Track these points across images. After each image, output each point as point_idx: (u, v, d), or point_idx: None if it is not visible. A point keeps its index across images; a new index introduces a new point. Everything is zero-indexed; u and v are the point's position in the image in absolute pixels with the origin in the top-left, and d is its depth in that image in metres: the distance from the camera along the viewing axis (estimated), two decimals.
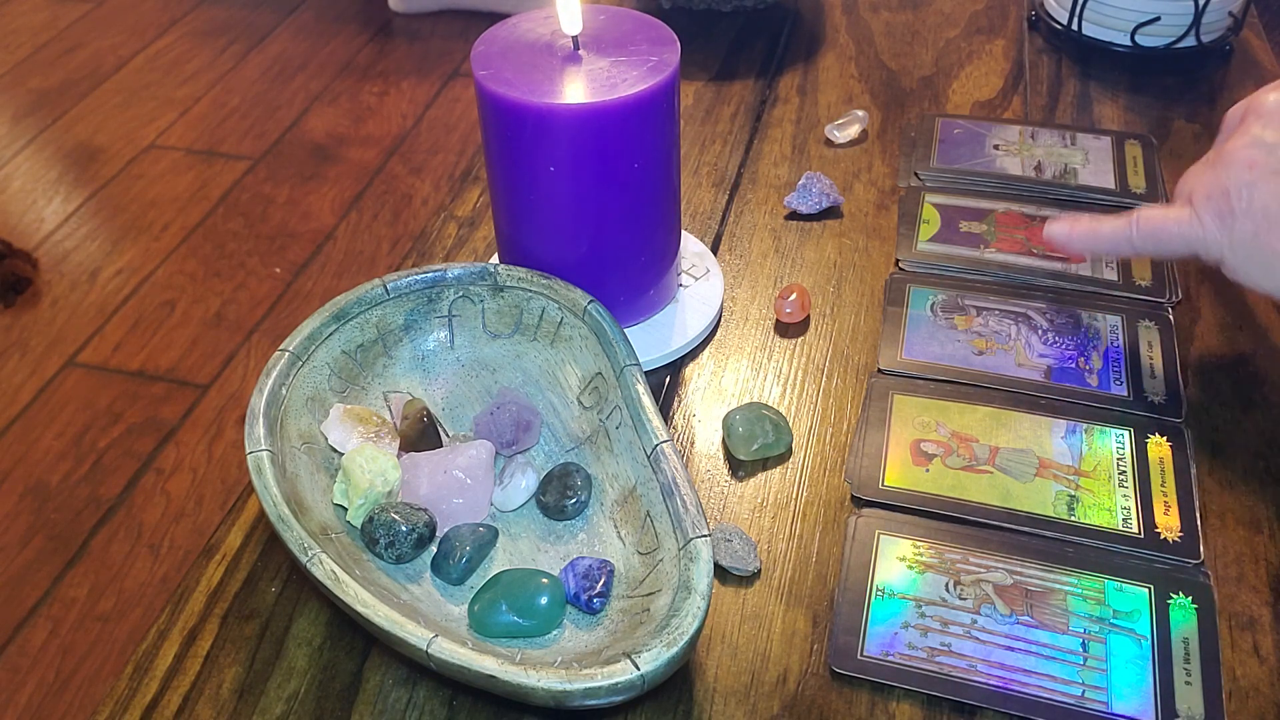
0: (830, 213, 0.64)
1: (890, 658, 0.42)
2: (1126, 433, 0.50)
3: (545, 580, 0.42)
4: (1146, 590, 0.43)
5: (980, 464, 0.49)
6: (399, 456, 0.47)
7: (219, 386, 1.54)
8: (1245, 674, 0.41)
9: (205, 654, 0.43)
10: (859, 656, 0.42)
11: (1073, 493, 0.47)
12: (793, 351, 0.56)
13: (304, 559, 0.40)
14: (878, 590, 0.44)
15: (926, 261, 0.60)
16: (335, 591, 0.39)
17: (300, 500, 0.44)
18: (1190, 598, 0.43)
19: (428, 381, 0.52)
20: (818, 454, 0.50)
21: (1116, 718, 0.39)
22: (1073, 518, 0.46)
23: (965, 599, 0.43)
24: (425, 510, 0.45)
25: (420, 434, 0.48)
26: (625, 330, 0.52)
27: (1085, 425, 0.50)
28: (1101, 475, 0.48)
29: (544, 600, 0.42)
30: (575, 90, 0.48)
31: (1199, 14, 0.73)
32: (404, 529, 0.44)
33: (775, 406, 0.52)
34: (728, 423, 0.50)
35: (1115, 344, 0.54)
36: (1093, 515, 0.46)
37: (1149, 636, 0.42)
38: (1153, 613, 0.43)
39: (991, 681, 0.41)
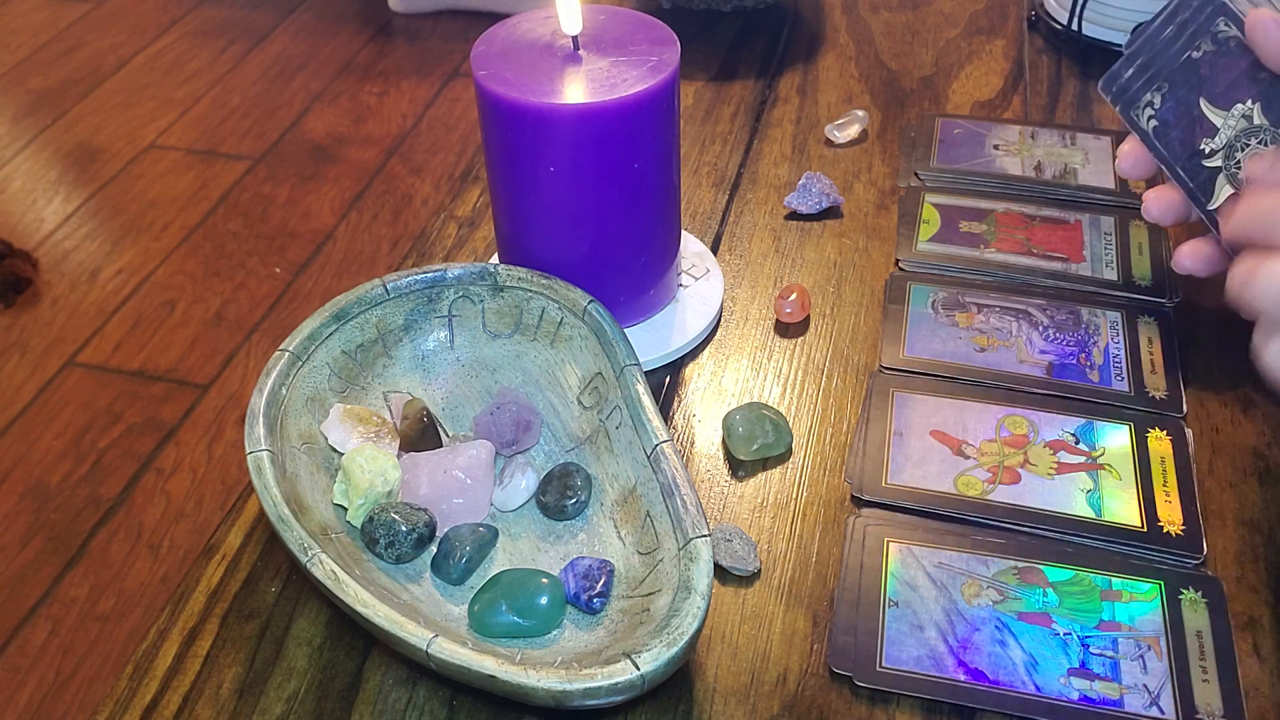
0: (830, 213, 0.64)
1: (891, 660, 0.42)
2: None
3: (545, 580, 0.42)
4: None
5: None
6: (399, 456, 0.47)
7: (219, 386, 1.54)
8: (1246, 674, 0.41)
9: (205, 654, 0.43)
10: (856, 658, 0.42)
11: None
12: (793, 351, 0.56)
13: (304, 559, 0.40)
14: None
15: (926, 261, 0.60)
16: (335, 591, 0.39)
17: (300, 500, 0.44)
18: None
19: (428, 381, 0.52)
20: (818, 454, 0.50)
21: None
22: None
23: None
24: (425, 510, 0.45)
25: (420, 434, 0.48)
26: (625, 330, 0.52)
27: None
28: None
29: (544, 600, 0.42)
30: (575, 90, 0.48)
31: None
32: (404, 529, 0.44)
33: (775, 406, 0.52)
34: (728, 423, 0.50)
35: (1115, 340, 0.54)
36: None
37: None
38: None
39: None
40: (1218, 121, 0.48)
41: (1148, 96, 0.50)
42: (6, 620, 1.26)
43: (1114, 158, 0.67)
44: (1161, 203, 0.52)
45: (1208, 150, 0.49)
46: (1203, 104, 0.49)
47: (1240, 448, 0.50)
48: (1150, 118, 0.50)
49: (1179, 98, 0.49)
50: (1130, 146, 0.53)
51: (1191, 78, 0.49)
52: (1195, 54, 0.49)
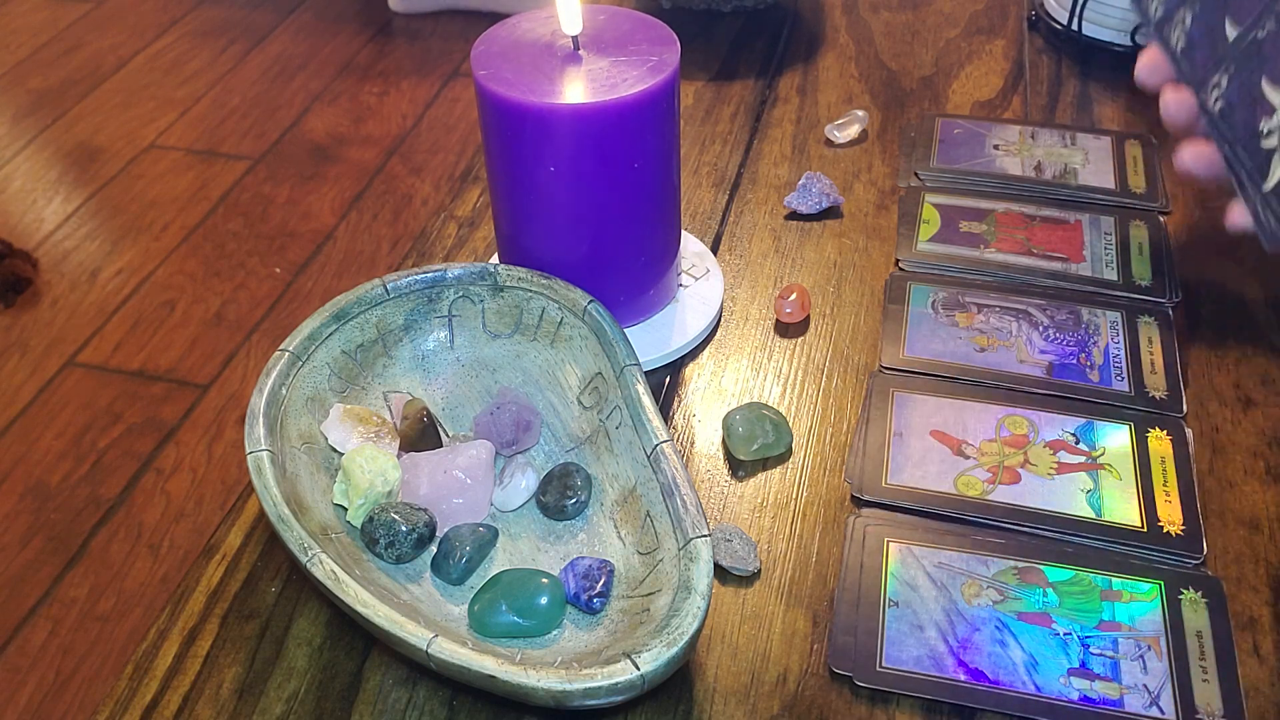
0: (830, 213, 0.64)
1: (891, 660, 0.42)
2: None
3: (545, 580, 0.42)
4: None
5: None
6: (399, 456, 0.47)
7: (219, 386, 1.54)
8: (1246, 674, 0.41)
9: (205, 654, 0.43)
10: (856, 658, 0.42)
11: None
12: (793, 351, 0.56)
13: (304, 559, 0.40)
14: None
15: (926, 261, 0.60)
16: (335, 591, 0.39)
17: (300, 500, 0.44)
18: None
19: (428, 381, 0.52)
20: (818, 454, 0.50)
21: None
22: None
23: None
24: (425, 510, 0.45)
25: (420, 434, 0.48)
26: (625, 330, 0.52)
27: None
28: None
29: (544, 600, 0.42)
30: (575, 90, 0.48)
31: None
32: (404, 529, 0.44)
33: (775, 406, 0.52)
34: (728, 423, 0.50)
35: (1115, 340, 0.54)
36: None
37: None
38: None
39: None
40: (1276, 101, 0.47)
41: (1215, 78, 0.50)
42: (6, 620, 1.26)
43: (1114, 157, 0.67)
44: (1179, 102, 0.52)
45: (1266, 130, 0.48)
46: (1264, 84, 0.48)
47: (1240, 448, 0.50)
48: (1217, 99, 0.50)
49: (1243, 79, 0.49)
50: (1149, 57, 0.53)
51: (1254, 59, 0.49)
52: (1260, 34, 0.48)
